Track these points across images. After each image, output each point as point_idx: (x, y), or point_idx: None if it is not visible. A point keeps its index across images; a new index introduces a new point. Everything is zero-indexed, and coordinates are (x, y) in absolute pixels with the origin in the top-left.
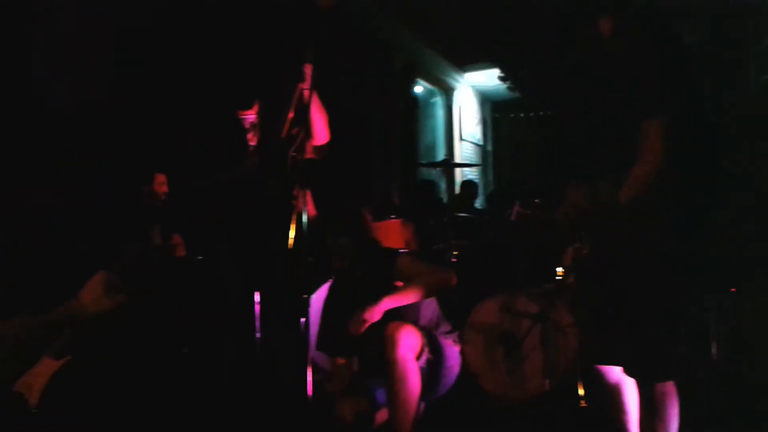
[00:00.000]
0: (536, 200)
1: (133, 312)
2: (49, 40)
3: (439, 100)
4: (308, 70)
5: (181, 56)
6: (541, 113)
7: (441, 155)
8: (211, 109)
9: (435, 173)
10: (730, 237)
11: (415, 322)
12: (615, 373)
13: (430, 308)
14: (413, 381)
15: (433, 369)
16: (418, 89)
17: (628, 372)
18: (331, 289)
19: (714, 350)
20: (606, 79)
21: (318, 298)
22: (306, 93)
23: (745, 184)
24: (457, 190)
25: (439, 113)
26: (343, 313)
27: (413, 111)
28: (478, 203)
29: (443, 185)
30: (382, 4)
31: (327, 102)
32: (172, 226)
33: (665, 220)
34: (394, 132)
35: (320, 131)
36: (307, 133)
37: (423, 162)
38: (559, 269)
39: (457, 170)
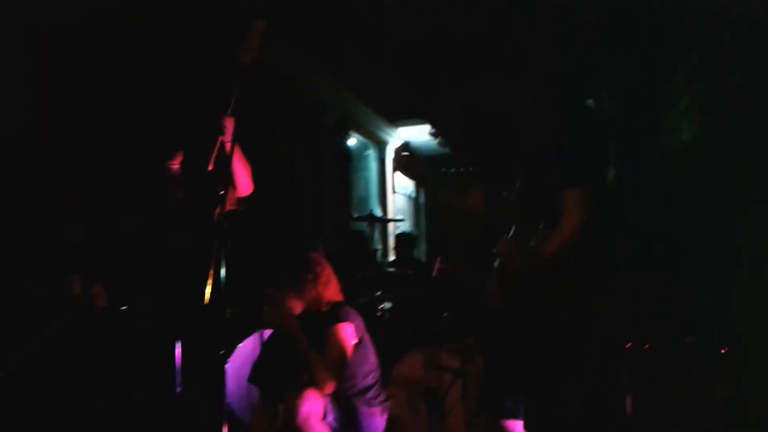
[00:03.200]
0: (461, 255)
1: (49, 368)
2: None
3: (372, 153)
4: (229, 123)
5: (105, 102)
6: (470, 169)
7: (374, 207)
8: (133, 158)
9: (367, 225)
10: (645, 294)
11: (347, 381)
12: (518, 428)
13: (369, 370)
14: None
15: None
16: (352, 142)
17: (528, 428)
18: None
19: (627, 407)
20: (529, 147)
21: (243, 351)
22: (227, 145)
23: (658, 242)
24: (393, 242)
25: (373, 166)
26: (279, 359)
27: (346, 163)
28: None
29: (376, 236)
30: (316, 61)
31: (257, 155)
32: (92, 276)
33: (576, 280)
34: (327, 183)
35: (243, 183)
36: (229, 184)
37: (355, 215)
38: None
39: (391, 223)
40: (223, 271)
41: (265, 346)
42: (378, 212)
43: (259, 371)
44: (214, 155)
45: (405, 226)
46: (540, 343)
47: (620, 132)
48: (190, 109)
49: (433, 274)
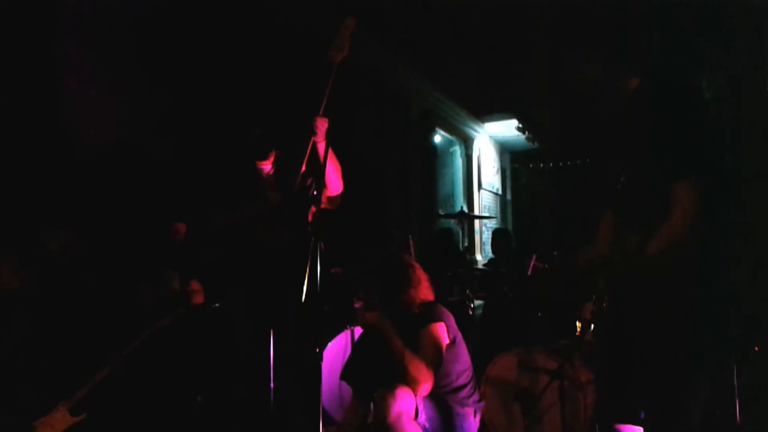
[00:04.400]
0: (554, 253)
1: (150, 365)
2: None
3: (457, 150)
4: (320, 123)
5: (204, 106)
6: (560, 164)
7: (460, 204)
8: (230, 158)
9: (454, 223)
10: (756, 295)
11: (440, 380)
12: None
13: (462, 370)
14: None
15: None
16: (437, 139)
17: None
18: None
19: (737, 412)
20: (632, 137)
21: (334, 348)
22: (320, 146)
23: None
24: (490, 239)
25: (458, 162)
26: (372, 357)
27: (432, 160)
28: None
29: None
30: (402, 56)
31: (344, 152)
32: (190, 272)
33: (690, 278)
34: (413, 181)
35: (334, 182)
36: (321, 184)
37: (442, 212)
38: (578, 324)
39: (477, 220)
40: (318, 269)
41: (357, 344)
42: (465, 209)
43: (350, 369)
44: (306, 156)
45: (496, 224)
46: (659, 348)
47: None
48: (283, 109)
49: (528, 273)
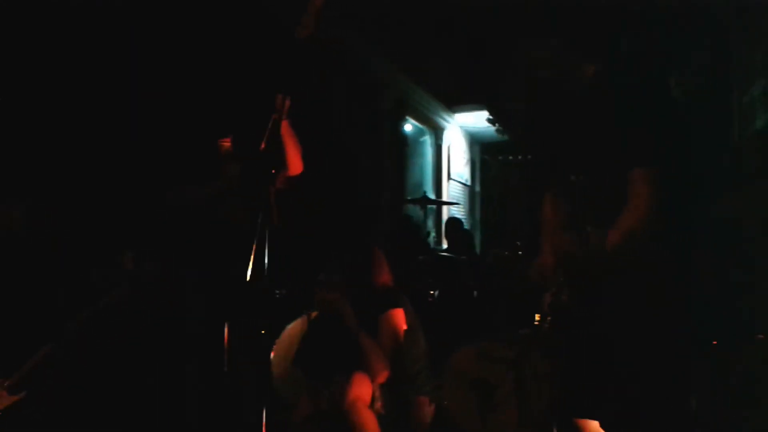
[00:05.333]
0: (517, 243)
1: (96, 343)
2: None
3: (428, 139)
4: (282, 100)
5: (158, 76)
6: (529, 156)
7: (429, 194)
8: (188, 134)
9: (419, 211)
10: (719, 290)
11: (397, 366)
12: (592, 426)
13: (418, 357)
14: (370, 428)
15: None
16: (408, 128)
17: (605, 427)
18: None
19: (709, 407)
20: (590, 123)
21: (291, 332)
22: (281, 124)
23: (731, 236)
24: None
25: (428, 152)
26: (327, 342)
27: (402, 148)
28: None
29: (430, 224)
30: (374, 43)
31: (312, 134)
32: (144, 251)
33: (651, 271)
34: (382, 168)
35: (293, 162)
36: (281, 163)
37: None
38: (537, 315)
39: (444, 210)
40: (266, 250)
41: (312, 328)
42: (432, 196)
43: (304, 354)
44: (267, 133)
45: (457, 212)
46: (617, 342)
47: (692, 117)
48: (244, 84)
49: (490, 260)
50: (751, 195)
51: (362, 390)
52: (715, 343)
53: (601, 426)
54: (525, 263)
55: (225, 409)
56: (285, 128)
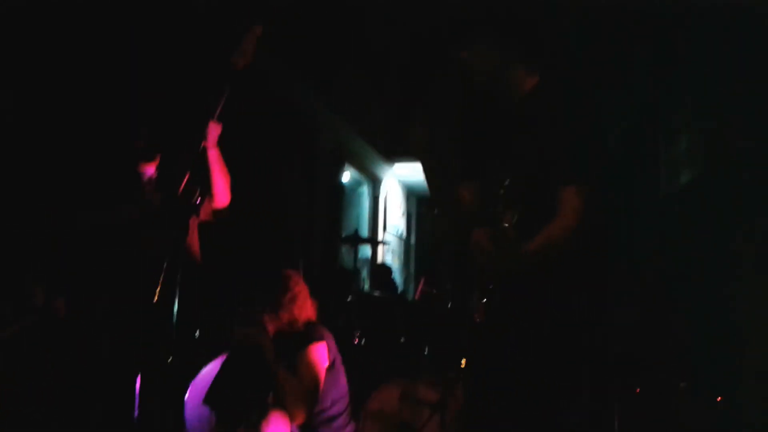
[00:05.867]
0: (447, 285)
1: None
2: None
3: (365, 190)
4: (213, 128)
5: (82, 95)
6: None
7: (365, 246)
8: (107, 154)
9: (350, 247)
10: (638, 336)
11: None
12: None
13: (338, 397)
14: None
15: None
16: (346, 177)
17: None
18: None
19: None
20: (521, 139)
21: (207, 373)
22: (210, 153)
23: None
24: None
25: (365, 203)
26: (241, 379)
27: (339, 197)
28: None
29: (364, 274)
30: (315, 88)
31: (243, 171)
32: (55, 284)
33: (567, 288)
34: (319, 215)
35: (220, 193)
36: (207, 193)
37: (345, 252)
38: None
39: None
40: (178, 285)
41: (224, 365)
42: (369, 250)
43: (216, 392)
44: (193, 160)
45: (392, 264)
46: (528, 370)
47: (618, 167)
48: (174, 109)
49: (416, 296)
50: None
51: (279, 430)
52: (638, 390)
53: None
54: (454, 298)
55: None
56: (214, 157)
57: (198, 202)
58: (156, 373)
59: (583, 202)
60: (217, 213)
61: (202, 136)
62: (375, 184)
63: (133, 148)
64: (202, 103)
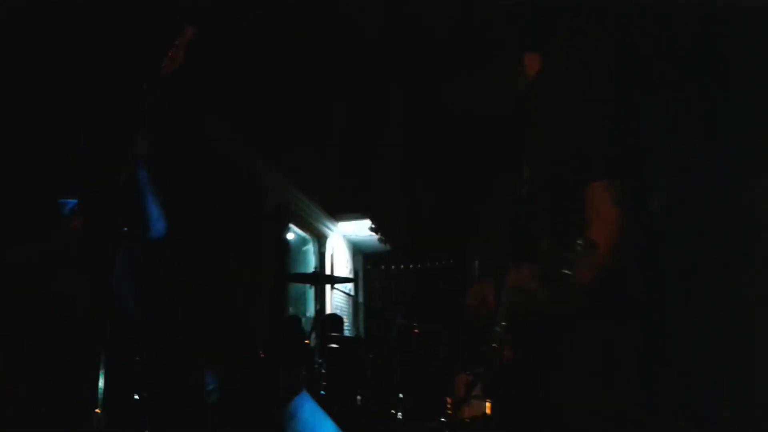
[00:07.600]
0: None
1: None
2: None
3: (311, 248)
4: (140, 141)
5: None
6: (411, 266)
7: (311, 305)
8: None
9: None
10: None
11: None
12: None
13: None
14: None
15: None
16: (291, 236)
17: None
18: None
19: None
20: (536, 133)
21: None
22: (140, 173)
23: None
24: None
25: (311, 261)
26: None
27: (285, 256)
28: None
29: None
30: (258, 147)
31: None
32: None
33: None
34: (264, 276)
35: (155, 220)
36: (139, 221)
37: (292, 311)
38: (448, 399)
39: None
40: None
41: None
42: (313, 306)
43: None
44: (121, 182)
45: (348, 322)
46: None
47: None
48: (95, 121)
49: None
50: None
51: None
52: None
53: None
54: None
55: None
56: (145, 179)
57: (125, 230)
58: None
59: (619, 203)
60: (153, 245)
61: (130, 151)
62: (320, 241)
63: (50, 174)
64: (128, 113)
